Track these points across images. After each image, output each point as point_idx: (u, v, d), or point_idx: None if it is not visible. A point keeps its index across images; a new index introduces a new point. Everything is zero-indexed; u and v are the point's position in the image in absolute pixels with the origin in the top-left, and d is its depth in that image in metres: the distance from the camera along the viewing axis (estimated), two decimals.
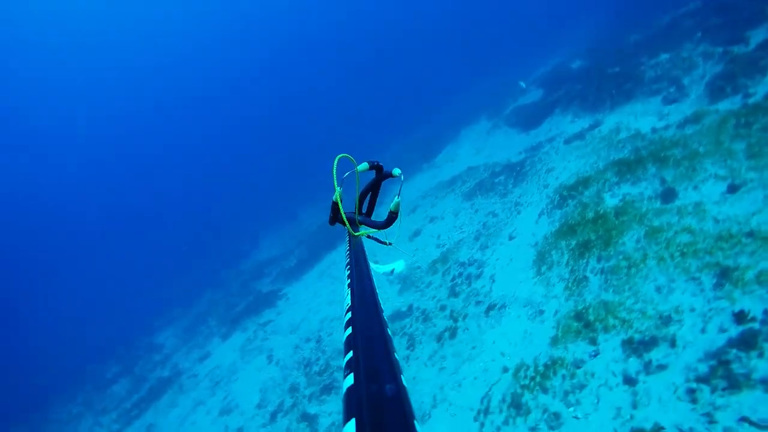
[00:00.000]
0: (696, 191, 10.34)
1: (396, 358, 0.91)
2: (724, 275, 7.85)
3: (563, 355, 8.42)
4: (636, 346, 7.67)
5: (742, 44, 15.12)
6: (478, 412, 8.53)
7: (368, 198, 3.00)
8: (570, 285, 10.07)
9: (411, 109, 51.21)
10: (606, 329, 8.33)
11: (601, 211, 11.60)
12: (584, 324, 8.75)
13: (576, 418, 7.17)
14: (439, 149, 30.72)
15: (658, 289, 8.41)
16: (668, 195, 10.69)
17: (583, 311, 9.04)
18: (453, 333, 11.42)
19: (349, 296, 1.29)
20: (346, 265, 1.73)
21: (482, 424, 8.24)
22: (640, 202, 11.05)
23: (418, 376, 10.74)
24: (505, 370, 9.13)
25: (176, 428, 16.45)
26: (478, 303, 11.84)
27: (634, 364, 7.44)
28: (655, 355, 7.36)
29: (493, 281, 12.48)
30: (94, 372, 29.37)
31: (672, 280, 8.40)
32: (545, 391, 7.92)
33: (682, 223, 9.54)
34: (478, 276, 13.23)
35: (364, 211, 2.85)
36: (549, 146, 18.75)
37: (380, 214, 2.99)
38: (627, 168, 12.68)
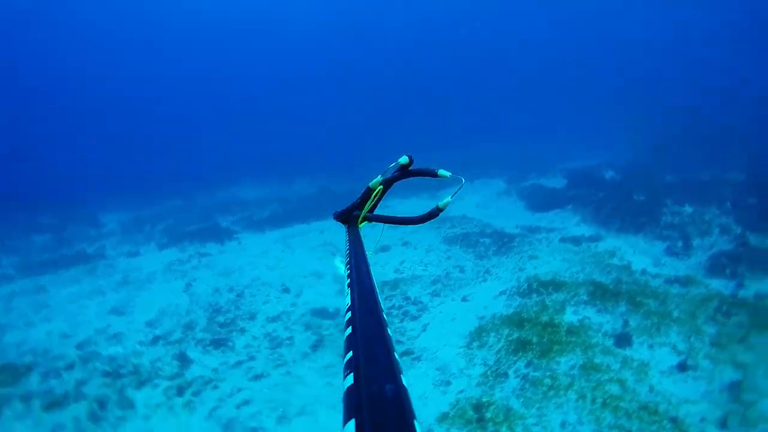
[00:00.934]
0: (650, 350, 9.97)
1: (396, 358, 0.88)
2: None
3: None
4: None
5: (762, 235, 14.85)
6: None
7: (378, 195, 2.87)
8: (488, 374, 9.62)
9: (444, 130, 50.83)
10: None
11: (556, 321, 11.20)
12: (478, 418, 8.30)
13: None
14: (447, 186, 30.27)
15: (563, 425, 7.99)
16: (623, 340, 10.31)
17: (485, 405, 8.59)
18: None
19: (348, 295, 1.25)
20: (346, 265, 1.66)
21: None
22: (595, 333, 10.66)
23: (303, 377, 10.23)
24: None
25: (64, 303, 15.75)
26: (397, 342, 11.34)
27: None
28: None
29: (424, 330, 12.02)
30: (27, 216, 28.45)
31: (581, 422, 7.99)
32: None
33: (620, 375, 9.14)
34: (414, 318, 12.77)
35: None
36: (545, 235, 18.40)
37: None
38: (602, 294, 12.30)
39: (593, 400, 8.45)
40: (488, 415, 8.33)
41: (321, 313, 13.62)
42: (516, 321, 11.47)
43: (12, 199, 30.85)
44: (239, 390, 9.96)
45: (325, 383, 9.97)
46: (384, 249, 18.77)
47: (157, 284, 17.13)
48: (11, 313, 15.28)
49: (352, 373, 0.82)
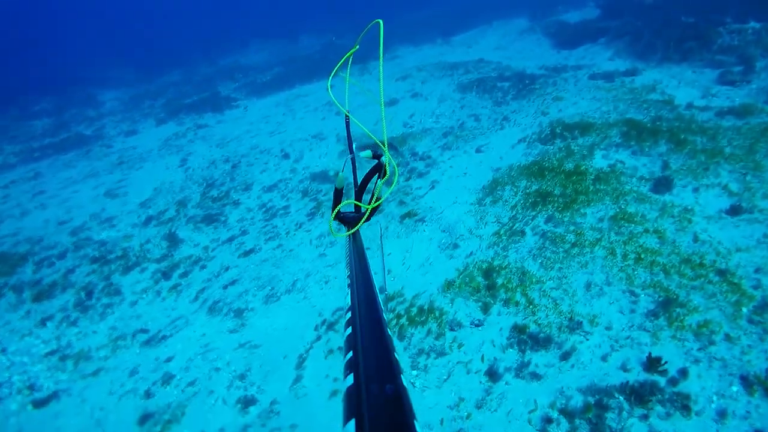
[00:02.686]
0: (694, 194, 8.26)
1: (396, 358, 0.84)
2: (666, 306, 6.13)
3: (446, 307, 6.83)
4: (525, 339, 6.09)
5: None
6: (316, 327, 7.10)
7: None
8: (501, 232, 8.24)
9: None
10: (506, 303, 6.69)
11: (583, 168, 9.46)
12: (488, 285, 7.08)
13: (412, 384, 5.74)
14: (462, 30, 26.75)
15: (588, 286, 6.68)
16: (662, 184, 8.57)
17: (496, 269, 7.32)
18: None
19: (349, 296, 1.19)
20: (346, 265, 1.58)
21: (319, 337, 6.83)
22: (629, 179, 8.93)
23: (296, 250, 9.15)
24: (380, 291, 7.55)
25: (58, 188, 14.89)
26: (401, 203, 9.97)
27: (510, 358, 5.91)
28: (539, 359, 5.81)
29: (432, 188, 10.53)
30: (26, 100, 26.96)
31: (608, 283, 6.65)
32: (401, 338, 6.41)
33: (658, 224, 7.58)
34: (421, 175, 11.23)
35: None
36: (572, 74, 15.80)
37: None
38: (637, 134, 10.31)
39: (624, 256, 7.03)
40: (500, 280, 7.08)
41: (321, 177, 12.23)
42: (536, 171, 9.79)
43: (13, 87, 29.26)
44: (227, 269, 9.01)
45: (317, 255, 8.86)
46: (392, 102, 16.74)
47: (152, 162, 15.92)
48: (8, 202, 14.56)
49: (352, 373, 0.78)
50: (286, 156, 14.22)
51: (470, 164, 11.28)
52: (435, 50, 23.73)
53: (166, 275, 9.13)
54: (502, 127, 12.91)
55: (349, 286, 1.32)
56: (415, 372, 5.91)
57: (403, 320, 6.70)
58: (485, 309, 6.67)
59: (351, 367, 0.83)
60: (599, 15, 21.02)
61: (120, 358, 7.23)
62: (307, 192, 11.66)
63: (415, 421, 0.66)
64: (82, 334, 7.89)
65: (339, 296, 7.68)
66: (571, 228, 7.88)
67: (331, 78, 2.79)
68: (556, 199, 8.67)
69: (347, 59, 2.79)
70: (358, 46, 2.69)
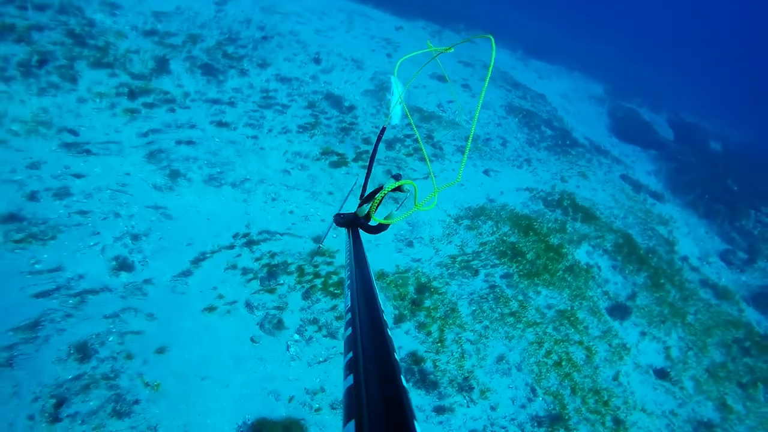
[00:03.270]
0: (640, 337, 8.05)
1: (396, 359, 0.82)
2: (553, 422, 5.89)
3: None
4: (415, 370, 5.73)
5: None
6: (236, 235, 6.52)
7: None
8: (458, 260, 7.80)
9: None
10: (420, 327, 6.30)
11: (564, 251, 9.10)
12: (415, 300, 6.65)
13: (287, 347, 5.29)
14: (545, 58, 25.72)
15: (500, 359, 6.36)
16: (620, 311, 8.33)
17: (431, 290, 6.89)
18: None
19: (349, 297, 1.13)
20: (346, 265, 1.49)
21: (232, 245, 6.25)
22: (596, 287, 8.63)
23: (266, 150, 8.45)
24: (317, 240, 7.02)
25: None
26: (387, 172, 9.36)
27: None
28: (414, 398, 5.47)
29: (425, 179, 9.95)
30: None
31: (519, 368, 6.36)
32: (306, 297, 5.93)
33: (594, 344, 7.33)
34: (424, 160, 10.61)
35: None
36: (609, 163, 15.35)
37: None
38: (627, 252, 10.01)
39: (548, 353, 6.74)
40: (428, 303, 6.67)
41: (336, 101, 11.41)
42: (523, 225, 9.36)
43: None
44: (192, 126, 8.22)
45: (282, 169, 8.20)
46: (441, 78, 15.90)
47: None
48: None
49: (352, 374, 0.77)
50: (317, 61, 13.24)
51: (472, 180, 10.75)
52: (509, 60, 22.75)
53: (132, 94, 8.27)
54: (521, 167, 12.38)
55: (348, 287, 1.27)
56: (297, 336, 5.46)
57: (319, 282, 6.20)
58: (397, 320, 6.26)
59: (351, 367, 0.80)
60: (664, 126, 20.56)
61: (30, 143, 6.45)
62: (314, 105, 10.86)
63: (415, 422, 0.65)
64: (6, 96, 7.01)
65: (277, 219, 7.10)
66: (520, 297, 7.52)
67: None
68: (524, 262, 8.29)
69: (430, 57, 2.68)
70: (452, 50, 2.56)
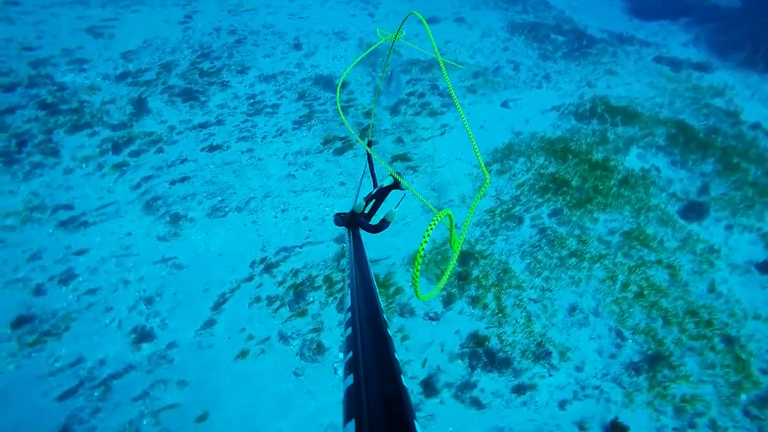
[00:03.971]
0: (726, 232, 6.96)
1: (396, 359, 0.81)
2: (653, 363, 5.08)
3: (403, 284, 5.73)
4: (480, 353, 5.06)
5: None
6: (253, 263, 6.00)
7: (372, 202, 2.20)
8: (497, 212, 6.97)
9: None
10: (473, 302, 5.59)
11: (612, 164, 8.01)
12: (461, 273, 5.93)
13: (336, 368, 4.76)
14: None
15: (572, 310, 5.57)
16: (694, 210, 7.22)
17: (476, 256, 6.14)
18: None
19: (348, 296, 1.10)
20: (346, 265, 1.42)
21: (251, 276, 5.75)
22: (659, 192, 7.54)
23: (265, 161, 7.85)
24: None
25: (37, 4, 12.98)
26: (398, 141, 8.56)
27: (455, 372, 4.90)
28: (488, 383, 4.82)
29: (441, 134, 9.06)
30: None
31: (597, 313, 5.54)
32: (330, 294, 5.36)
33: (675, 258, 6.35)
34: (434, 114, 9.69)
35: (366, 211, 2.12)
36: (637, 49, 13.62)
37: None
38: (685, 141, 8.73)
39: (625, 286, 5.87)
40: (475, 272, 5.94)
41: (326, 81, 10.61)
42: (559, 150, 8.32)
43: None
44: (183, 161, 7.72)
45: (286, 174, 7.58)
46: (431, 20, 14.65)
47: (152, 8, 13.91)
48: None
49: (352, 374, 0.76)
50: (298, 46, 12.39)
51: (491, 117, 9.71)
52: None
53: (116, 148, 7.85)
54: (540, 86, 11.14)
55: (348, 286, 1.19)
56: (341, 355, 4.91)
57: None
58: (447, 301, 5.58)
59: (351, 367, 0.77)
60: None
61: (27, 234, 6.15)
62: (305, 95, 10.11)
63: (415, 422, 0.63)
64: None
65: (292, 231, 6.53)
66: (576, 232, 6.62)
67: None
68: (570, 191, 7.32)
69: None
70: (403, 33, 2.53)
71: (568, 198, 7.18)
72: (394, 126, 9.24)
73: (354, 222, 2.07)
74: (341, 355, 4.95)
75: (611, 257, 6.24)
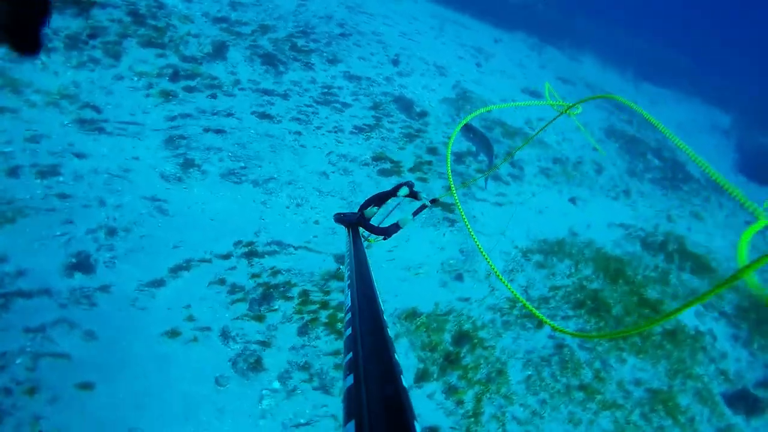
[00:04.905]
0: None
1: (396, 360, 0.80)
2: None
3: None
4: None
5: None
6: (238, 243, 5.28)
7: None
8: (518, 305, 6.00)
9: None
10: (449, 391, 4.62)
11: (664, 309, 6.88)
12: (451, 354, 4.99)
13: None
14: (658, 82, 22.45)
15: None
16: (748, 404, 5.97)
17: (474, 341, 5.18)
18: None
19: (348, 297, 1.11)
20: (346, 265, 1.46)
21: (228, 255, 5.02)
22: (708, 362, 6.34)
23: (308, 152, 7.24)
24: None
25: None
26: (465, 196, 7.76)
27: None
28: None
29: (499, 204, 8.22)
30: None
31: None
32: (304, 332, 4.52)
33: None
34: (478, 157, 8.88)
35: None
36: (733, 205, 12.38)
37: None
38: (759, 322, 7.47)
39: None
40: (467, 359, 4.97)
41: (404, 104, 10.04)
42: (612, 269, 7.29)
43: None
44: (229, 115, 7.23)
45: (320, 171, 6.93)
46: (532, 93, 14.00)
47: None
48: None
49: (352, 374, 0.76)
50: (395, 63, 11.97)
51: (553, 207, 8.79)
52: (617, 82, 20.06)
53: (175, 76, 7.48)
54: (616, 198, 10.13)
55: (349, 286, 1.18)
56: (276, 384, 4.05)
57: (324, 315, 4.76)
58: (419, 377, 4.64)
59: (351, 367, 0.77)
60: None
61: (43, 115, 5.72)
62: (379, 107, 9.55)
63: (415, 422, 0.62)
64: (41, 67, 6.43)
65: (296, 229, 5.80)
66: (597, 365, 5.54)
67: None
68: (607, 318, 6.26)
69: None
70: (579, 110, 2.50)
71: (602, 324, 6.12)
72: (453, 174, 8.47)
73: (357, 222, 2.07)
74: (276, 384, 4.09)
75: (626, 412, 5.12)
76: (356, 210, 2.38)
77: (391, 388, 0.69)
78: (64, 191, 4.87)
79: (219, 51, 8.69)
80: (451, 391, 4.62)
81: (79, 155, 5.41)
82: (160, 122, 6.50)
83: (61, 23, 7.25)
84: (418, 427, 0.62)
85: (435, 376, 4.68)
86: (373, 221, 2.32)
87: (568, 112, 2.45)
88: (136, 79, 7.08)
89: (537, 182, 9.50)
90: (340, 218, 2.27)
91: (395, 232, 2.19)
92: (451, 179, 2.31)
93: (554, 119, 2.44)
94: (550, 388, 5.04)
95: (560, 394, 5.01)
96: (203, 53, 8.41)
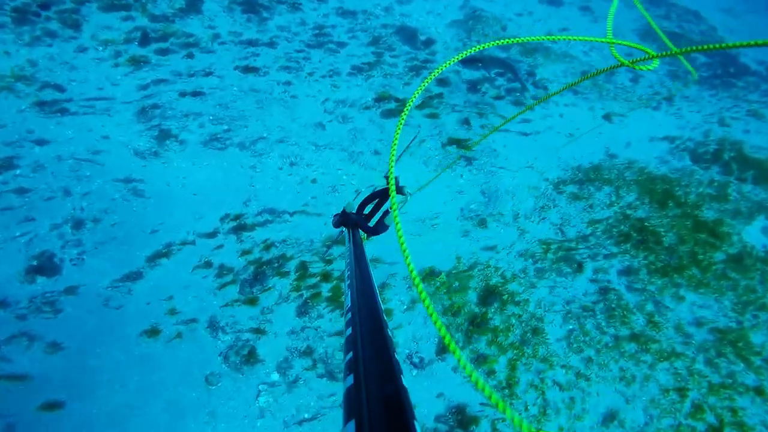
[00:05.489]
0: None
1: (396, 359, 0.80)
2: None
3: (397, 313, 4.22)
4: None
5: None
6: (225, 217, 4.67)
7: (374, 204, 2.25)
8: (552, 247, 5.21)
9: None
10: (479, 360, 4.00)
11: (726, 230, 5.93)
12: (477, 316, 4.32)
13: None
14: None
15: (609, 419, 3.84)
16: None
17: (502, 297, 4.48)
18: None
19: (348, 296, 1.10)
20: (346, 265, 1.44)
21: (214, 233, 4.43)
22: None
23: (300, 101, 6.44)
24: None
25: None
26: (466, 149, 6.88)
27: None
28: None
29: (525, 135, 7.26)
30: None
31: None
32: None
33: None
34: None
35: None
36: None
37: None
38: None
39: (697, 410, 4.04)
40: (496, 320, 4.30)
41: (407, 35, 8.93)
42: (659, 191, 6.32)
43: None
44: (208, 74, 6.45)
45: (316, 122, 6.13)
46: (553, 1, 12.39)
47: None
48: None
49: (352, 374, 0.75)
50: None
51: (585, 127, 7.73)
52: None
53: (144, 39, 6.71)
54: (658, 107, 8.87)
55: (348, 286, 1.17)
56: (275, 376, 3.53)
57: (326, 288, 4.16)
58: (442, 348, 4.02)
59: (351, 367, 0.76)
60: None
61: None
62: (378, 41, 8.51)
63: (414, 422, 0.62)
64: None
65: (291, 192, 5.13)
66: (650, 307, 4.77)
67: None
68: (658, 250, 5.39)
69: None
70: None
71: (652, 258, 5.27)
72: (466, 104, 7.51)
73: (353, 222, 2.07)
74: (274, 376, 3.57)
75: (688, 360, 4.37)
76: (347, 208, 2.28)
77: (391, 387, 0.67)
78: (23, 185, 4.33)
79: (193, 3, 7.78)
80: (479, 360, 3.99)
81: (40, 142, 4.83)
82: (131, 93, 5.81)
83: None
84: (418, 427, 0.60)
85: (460, 344, 4.05)
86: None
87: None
88: (101, 48, 6.34)
89: (564, 101, 8.37)
90: (335, 219, 2.18)
91: (384, 230, 2.11)
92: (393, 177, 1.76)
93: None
94: (596, 342, 4.33)
95: (608, 348, 4.30)
96: (175, 9, 7.53)
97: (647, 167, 6.88)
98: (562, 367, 4.11)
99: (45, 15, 6.40)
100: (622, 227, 5.62)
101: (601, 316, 4.58)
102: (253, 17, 8.11)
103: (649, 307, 4.78)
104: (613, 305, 4.70)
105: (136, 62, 6.30)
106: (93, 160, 4.81)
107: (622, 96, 8.84)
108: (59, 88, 5.56)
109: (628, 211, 5.89)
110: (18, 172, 4.44)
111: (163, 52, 6.64)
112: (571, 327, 4.43)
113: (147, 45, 6.65)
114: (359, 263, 1.34)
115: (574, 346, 4.28)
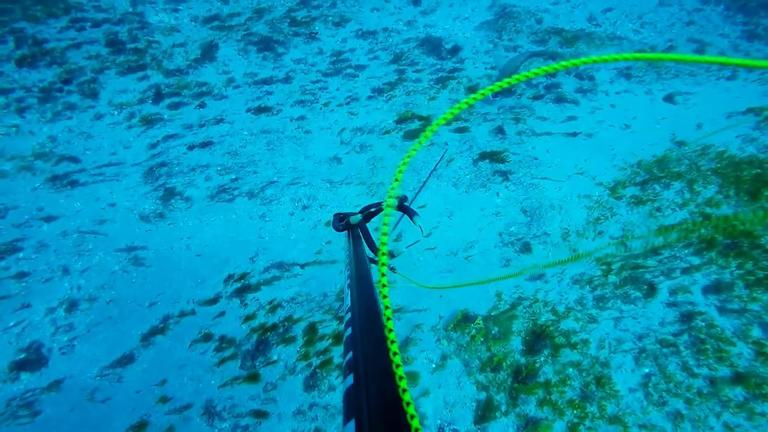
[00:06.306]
0: None
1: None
2: None
3: (428, 383, 3.50)
4: None
5: None
6: (229, 278, 4.19)
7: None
8: (614, 267, 4.26)
9: None
10: (528, 427, 3.17)
11: None
12: (521, 371, 3.49)
13: None
14: None
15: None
16: None
17: (556, 339, 3.62)
18: None
19: (348, 296, 1.04)
20: (346, 265, 1.37)
21: (216, 298, 3.96)
22: None
23: (313, 134, 5.96)
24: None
25: None
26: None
27: None
28: None
29: (573, 135, 6.33)
30: None
31: None
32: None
33: None
34: (564, 100, 6.91)
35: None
36: None
37: None
38: None
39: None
40: (547, 370, 3.44)
41: (432, 45, 8.30)
42: (747, 178, 5.12)
43: None
44: (219, 122, 6.16)
45: (331, 156, 5.61)
46: None
47: None
48: None
49: (352, 374, 0.71)
50: (417, 2, 10.12)
51: (644, 115, 6.61)
52: None
53: (157, 96, 6.59)
54: (733, 77, 7.51)
55: (348, 286, 1.11)
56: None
57: (338, 351, 3.54)
58: (482, 413, 3.22)
59: (351, 367, 0.73)
60: None
61: (14, 184, 5.10)
62: (401, 58, 7.95)
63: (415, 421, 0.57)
64: (14, 130, 5.84)
65: (303, 239, 4.59)
66: (756, 333, 3.67)
67: None
68: (755, 255, 4.24)
69: None
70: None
71: (749, 266, 4.14)
72: (500, 110, 6.69)
73: (357, 224, 1.92)
74: None
75: None
76: (352, 220, 2.08)
77: (391, 387, 0.64)
78: (23, 269, 4.13)
79: (207, 53, 7.65)
80: (529, 427, 3.16)
81: (48, 219, 4.68)
82: (141, 154, 5.62)
83: (35, 77, 6.66)
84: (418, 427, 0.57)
85: (503, 408, 3.24)
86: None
87: None
88: (116, 113, 6.28)
89: (615, 89, 7.29)
90: (338, 224, 2.02)
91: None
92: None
93: None
94: (685, 389, 3.33)
95: (703, 397, 3.28)
96: (190, 60, 7.42)
97: (728, 150, 5.66)
98: (641, 428, 3.16)
99: (67, 89, 6.46)
100: (703, 231, 4.52)
101: (688, 352, 3.56)
102: (268, 55, 7.85)
103: (756, 332, 3.68)
104: (703, 335, 3.65)
105: (149, 121, 6.16)
106: (97, 231, 4.57)
107: (686, 71, 7.57)
108: (74, 160, 5.48)
109: (709, 209, 4.77)
110: (21, 255, 4.27)
111: (176, 105, 6.48)
112: (647, 371, 3.46)
113: (160, 101, 6.52)
114: (359, 262, 1.28)
115: (655, 396, 3.31)
